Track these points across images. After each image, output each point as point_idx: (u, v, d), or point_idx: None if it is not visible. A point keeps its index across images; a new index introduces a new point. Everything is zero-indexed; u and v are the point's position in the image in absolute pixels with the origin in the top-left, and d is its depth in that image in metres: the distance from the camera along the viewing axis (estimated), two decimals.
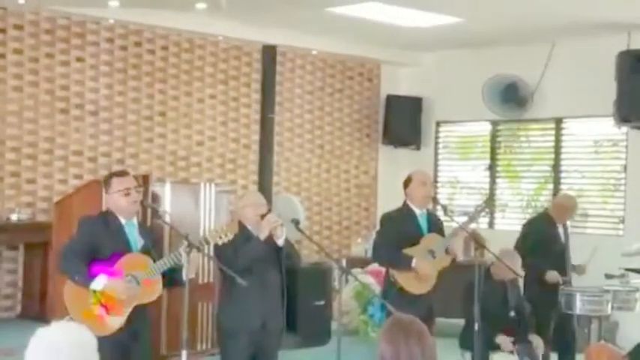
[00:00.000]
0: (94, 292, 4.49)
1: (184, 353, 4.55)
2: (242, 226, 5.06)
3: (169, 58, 9.18)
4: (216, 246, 4.98)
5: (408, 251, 5.63)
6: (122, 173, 4.88)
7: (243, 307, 4.95)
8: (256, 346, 5.05)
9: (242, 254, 4.92)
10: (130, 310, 4.53)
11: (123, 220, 4.64)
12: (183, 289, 4.55)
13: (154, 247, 4.78)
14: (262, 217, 5.03)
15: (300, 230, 5.18)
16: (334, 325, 8.09)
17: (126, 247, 4.60)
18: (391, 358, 2.72)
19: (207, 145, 9.51)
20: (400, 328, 2.77)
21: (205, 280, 7.21)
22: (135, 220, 4.70)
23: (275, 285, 5.12)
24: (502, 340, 6.31)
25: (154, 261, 4.60)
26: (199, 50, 9.41)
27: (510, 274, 6.36)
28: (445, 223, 6.08)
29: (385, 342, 2.75)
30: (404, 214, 5.80)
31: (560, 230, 7.03)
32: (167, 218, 5.36)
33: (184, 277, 4.54)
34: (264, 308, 5.03)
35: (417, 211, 5.78)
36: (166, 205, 6.87)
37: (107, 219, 4.66)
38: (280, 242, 5.02)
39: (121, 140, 8.85)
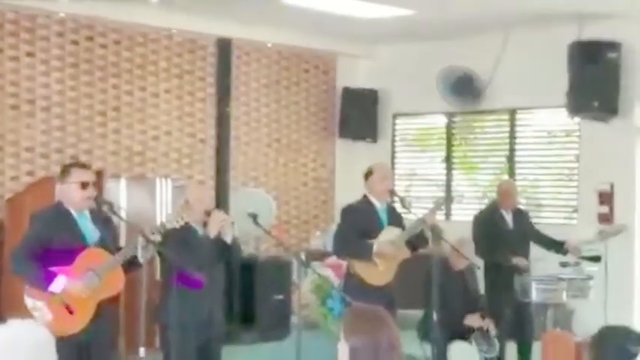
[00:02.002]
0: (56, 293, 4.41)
1: (142, 350, 4.52)
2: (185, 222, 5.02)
3: (122, 52, 9.05)
4: (162, 243, 4.91)
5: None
6: (83, 165, 4.79)
7: (190, 301, 4.92)
8: (203, 339, 5.07)
9: (190, 252, 4.89)
10: (94, 307, 4.46)
11: (74, 213, 4.56)
12: (140, 286, 4.51)
13: (110, 237, 4.71)
14: (207, 213, 5.02)
15: (258, 224, 5.16)
16: (294, 319, 8.09)
17: (81, 241, 4.52)
18: (372, 345, 2.61)
19: (163, 140, 9.41)
20: (368, 317, 2.70)
21: None
22: (86, 212, 4.62)
23: (220, 280, 5.25)
24: (472, 319, 6.39)
25: (113, 252, 4.55)
26: (153, 44, 9.29)
27: (464, 262, 6.46)
28: (402, 215, 6.11)
29: (357, 334, 2.65)
30: (365, 206, 5.81)
31: (509, 217, 7.16)
32: (123, 214, 5.29)
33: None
34: (210, 302, 5.10)
35: (378, 204, 5.80)
36: (122, 201, 6.79)
37: (59, 212, 4.57)
38: (228, 239, 5.03)
39: (74, 136, 8.71)
